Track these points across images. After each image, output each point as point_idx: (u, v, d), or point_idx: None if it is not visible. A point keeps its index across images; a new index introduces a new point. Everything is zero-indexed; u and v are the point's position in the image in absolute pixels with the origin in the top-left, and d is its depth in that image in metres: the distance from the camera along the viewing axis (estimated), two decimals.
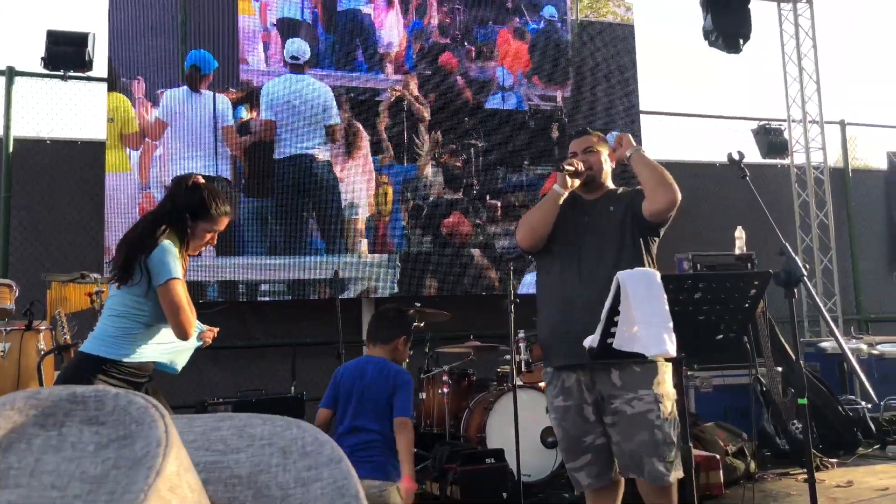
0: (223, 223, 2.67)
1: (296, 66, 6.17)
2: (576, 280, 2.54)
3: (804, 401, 2.30)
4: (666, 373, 2.49)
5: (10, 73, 5.97)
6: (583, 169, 2.61)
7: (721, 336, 2.14)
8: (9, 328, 4.31)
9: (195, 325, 2.53)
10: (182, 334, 2.46)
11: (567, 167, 2.59)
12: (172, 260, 2.45)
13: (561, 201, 2.61)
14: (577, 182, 2.62)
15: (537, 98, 6.89)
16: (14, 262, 5.67)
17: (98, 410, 0.53)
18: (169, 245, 2.47)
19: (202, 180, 2.68)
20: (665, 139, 7.85)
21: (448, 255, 6.35)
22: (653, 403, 2.42)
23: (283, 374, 5.76)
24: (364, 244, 6.15)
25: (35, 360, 4.13)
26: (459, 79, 6.66)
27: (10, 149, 5.86)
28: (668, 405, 2.44)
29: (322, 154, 6.12)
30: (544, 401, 3.40)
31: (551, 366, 2.62)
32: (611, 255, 2.53)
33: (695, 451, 3.48)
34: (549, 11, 7.06)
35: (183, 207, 2.58)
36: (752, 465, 4.68)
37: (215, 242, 2.78)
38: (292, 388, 5.01)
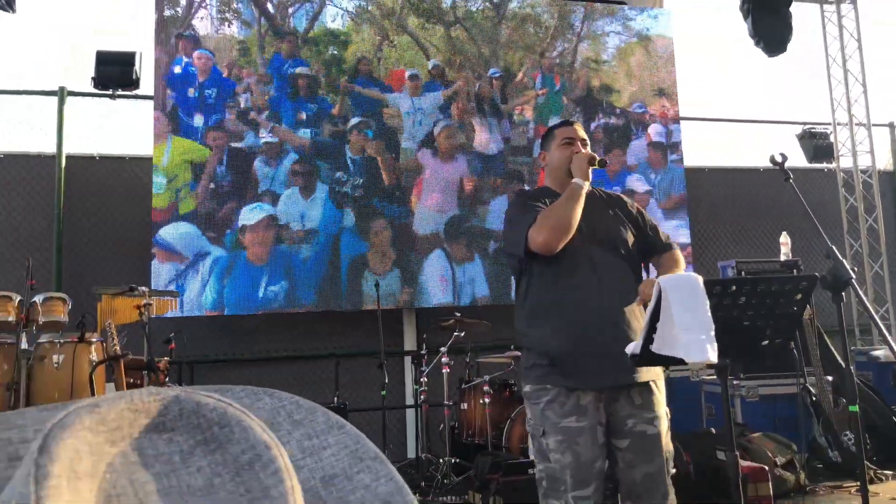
0: None
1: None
2: (596, 290, 2.33)
3: (855, 408, 2.24)
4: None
5: (62, 94, 6.17)
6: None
7: (767, 342, 2.10)
8: (63, 340, 4.43)
9: None
10: None
11: (592, 157, 2.39)
12: None
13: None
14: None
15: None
16: (67, 276, 5.83)
17: (163, 416, 0.47)
18: None
19: None
20: (707, 145, 7.75)
21: (488, 264, 6.35)
22: (666, 420, 2.36)
23: (325, 384, 5.82)
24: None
25: (87, 371, 4.25)
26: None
27: (63, 165, 6.06)
28: None
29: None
30: None
31: (563, 385, 2.32)
32: (625, 263, 2.41)
33: (742, 463, 3.42)
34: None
35: None
36: (803, 478, 4.57)
37: None
38: (335, 397, 5.05)
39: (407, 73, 6.50)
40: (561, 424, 2.30)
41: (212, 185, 5.89)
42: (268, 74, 6.17)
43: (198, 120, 5.96)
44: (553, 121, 6.79)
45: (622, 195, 2.66)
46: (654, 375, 2.37)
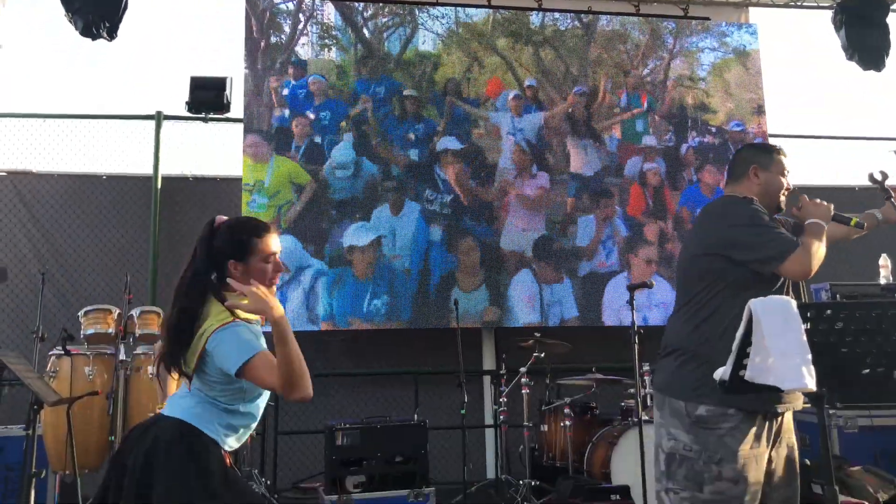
0: (270, 242, 2.28)
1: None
2: None
3: None
4: None
5: (159, 118, 6.50)
6: None
7: (868, 371, 2.00)
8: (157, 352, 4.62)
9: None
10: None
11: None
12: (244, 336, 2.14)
13: None
14: None
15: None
16: (161, 292, 6.10)
17: None
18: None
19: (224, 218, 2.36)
20: (797, 163, 7.46)
21: (577, 285, 6.29)
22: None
23: (405, 402, 5.86)
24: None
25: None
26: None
27: (159, 186, 6.36)
28: None
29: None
30: None
31: (749, 407, 2.29)
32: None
33: (841, 498, 3.25)
34: None
35: (221, 255, 2.26)
36: None
37: (280, 272, 2.31)
38: (415, 415, 5.08)
39: (511, 94, 6.54)
40: (741, 452, 2.28)
41: (309, 203, 6.07)
42: (369, 96, 6.34)
43: (305, 140, 6.17)
44: (646, 140, 6.70)
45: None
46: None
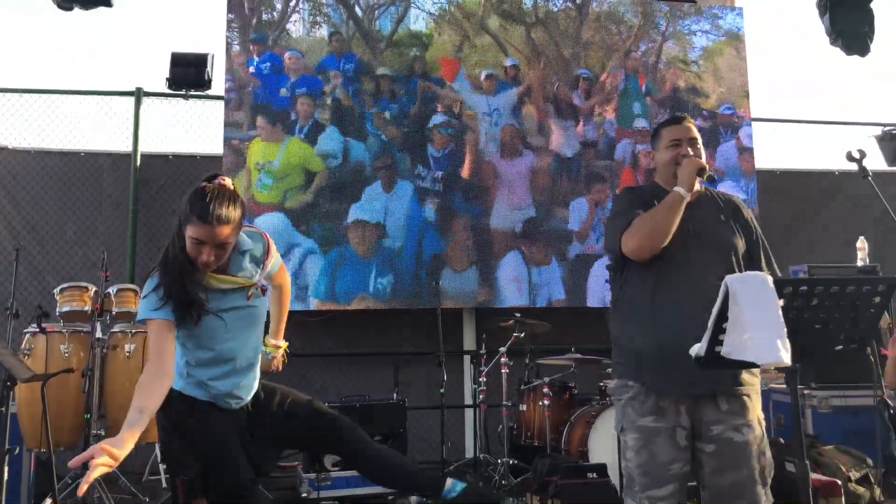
0: (195, 230, 2.19)
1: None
2: (691, 295, 2.26)
3: None
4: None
5: (139, 94, 6.40)
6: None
7: (840, 347, 2.01)
8: (134, 330, 4.60)
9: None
10: None
11: (701, 167, 2.32)
12: (147, 297, 2.26)
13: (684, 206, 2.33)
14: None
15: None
16: (139, 269, 6.04)
17: None
18: (150, 280, 2.29)
19: (221, 183, 2.30)
20: (779, 147, 7.51)
21: (566, 267, 6.30)
22: (759, 428, 2.32)
23: (384, 381, 5.86)
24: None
25: None
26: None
27: (138, 164, 6.28)
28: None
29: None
30: None
31: (643, 384, 2.34)
32: (730, 271, 2.29)
33: (813, 476, 3.28)
34: None
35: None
36: (878, 493, 4.38)
37: (208, 259, 2.22)
38: (394, 394, 5.08)
39: (483, 74, 6.49)
40: (638, 423, 2.32)
41: (317, 187, 6.04)
42: (352, 75, 6.27)
43: (289, 118, 6.10)
44: (637, 123, 6.68)
45: (739, 202, 2.56)
46: (746, 389, 2.34)
